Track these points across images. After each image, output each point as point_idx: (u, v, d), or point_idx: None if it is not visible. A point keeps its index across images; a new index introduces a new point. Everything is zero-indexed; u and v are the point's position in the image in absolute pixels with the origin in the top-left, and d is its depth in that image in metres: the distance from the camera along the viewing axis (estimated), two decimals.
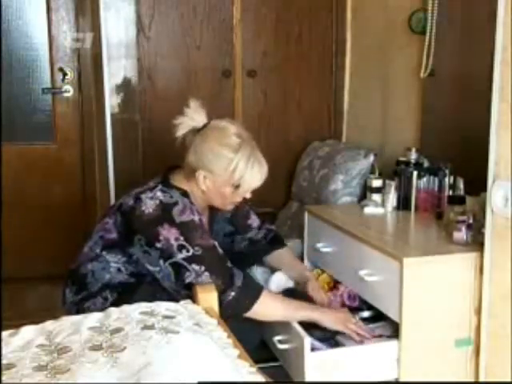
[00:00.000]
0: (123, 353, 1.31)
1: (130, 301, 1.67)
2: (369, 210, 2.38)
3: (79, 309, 1.88)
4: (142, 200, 1.84)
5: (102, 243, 1.91)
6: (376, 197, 2.45)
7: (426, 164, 2.39)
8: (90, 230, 2.00)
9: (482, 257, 1.82)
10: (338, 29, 3.28)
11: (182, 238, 1.78)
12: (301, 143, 3.25)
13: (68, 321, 1.52)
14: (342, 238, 2.16)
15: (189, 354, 1.32)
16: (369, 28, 3.06)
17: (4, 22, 3.16)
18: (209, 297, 1.72)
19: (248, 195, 1.96)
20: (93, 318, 1.52)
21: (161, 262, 1.79)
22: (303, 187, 3.03)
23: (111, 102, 2.98)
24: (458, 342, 1.88)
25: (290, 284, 2.16)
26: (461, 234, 1.91)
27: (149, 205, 1.82)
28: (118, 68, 3.02)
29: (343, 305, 2.11)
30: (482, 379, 1.86)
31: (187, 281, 1.77)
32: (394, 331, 1.89)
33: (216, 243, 1.87)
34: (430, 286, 1.83)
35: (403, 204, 2.38)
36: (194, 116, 1.92)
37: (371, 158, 2.71)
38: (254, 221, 2.22)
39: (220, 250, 1.86)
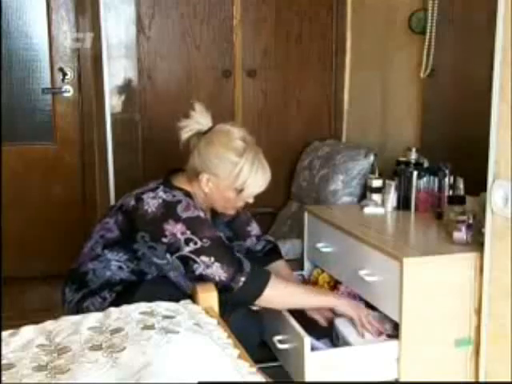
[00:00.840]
0: (123, 353, 1.31)
1: (128, 302, 1.67)
2: (369, 210, 2.38)
3: (78, 308, 1.88)
4: (143, 200, 1.84)
5: (102, 242, 1.91)
6: (376, 197, 2.45)
7: (426, 164, 2.39)
8: (90, 230, 2.00)
9: (481, 257, 1.82)
10: (337, 28, 3.28)
11: (188, 232, 1.78)
12: (301, 143, 3.25)
13: (68, 321, 1.52)
14: (342, 238, 2.16)
15: (189, 353, 1.32)
16: (369, 28, 3.06)
17: (4, 21, 3.17)
18: (209, 297, 1.72)
19: (250, 200, 1.97)
20: (93, 318, 1.52)
21: (167, 255, 1.80)
22: (303, 187, 3.03)
23: (111, 101, 2.98)
24: (458, 342, 1.88)
25: None
26: (461, 234, 1.91)
27: (151, 204, 1.83)
28: (117, 68, 3.02)
29: None
30: (481, 379, 1.86)
31: (197, 272, 1.77)
32: (394, 330, 1.88)
33: (222, 235, 1.88)
34: (430, 286, 1.83)
35: (403, 204, 2.38)
36: (199, 119, 1.92)
37: (371, 158, 2.71)
38: (254, 229, 2.21)
39: (226, 241, 1.87)
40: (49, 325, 1.49)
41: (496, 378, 1.80)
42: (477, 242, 1.87)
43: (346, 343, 1.90)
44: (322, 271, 2.34)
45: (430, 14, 2.43)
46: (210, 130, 1.92)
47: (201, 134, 1.92)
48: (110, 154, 2.95)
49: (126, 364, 1.26)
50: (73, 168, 3.39)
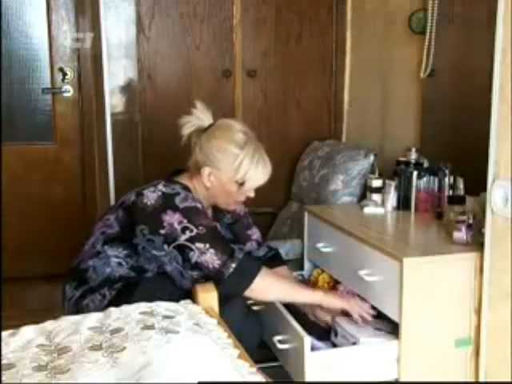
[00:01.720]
0: (123, 353, 1.31)
1: (128, 299, 1.67)
2: (369, 210, 2.38)
3: (78, 306, 1.89)
4: (143, 194, 1.87)
5: (103, 238, 1.92)
6: (376, 197, 2.45)
7: (426, 164, 2.39)
8: (90, 230, 2.01)
9: (481, 257, 1.82)
10: (337, 29, 3.28)
11: (185, 221, 1.80)
12: (301, 143, 3.25)
13: (68, 321, 1.52)
14: (342, 237, 2.16)
15: (189, 353, 1.32)
16: (369, 28, 3.06)
17: (4, 22, 3.17)
18: (209, 297, 1.72)
19: (251, 194, 1.98)
20: (93, 318, 1.52)
21: (165, 246, 1.81)
22: (303, 187, 3.03)
23: (111, 101, 2.99)
24: (458, 342, 1.88)
25: None
26: (461, 234, 1.91)
27: (151, 197, 1.85)
28: (117, 68, 3.02)
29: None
30: (481, 379, 1.86)
31: (193, 260, 1.78)
32: (394, 328, 1.88)
33: (218, 225, 1.90)
34: (430, 286, 1.83)
35: (403, 204, 2.38)
36: (200, 116, 1.96)
37: (371, 158, 2.71)
38: (255, 233, 2.21)
39: (223, 233, 1.89)
40: (49, 325, 1.49)
41: (496, 378, 1.80)
42: (477, 242, 1.87)
43: (345, 338, 1.91)
44: (322, 271, 2.34)
45: (430, 14, 2.43)
46: (210, 126, 1.95)
47: (202, 131, 1.95)
48: (110, 153, 2.95)
49: (126, 364, 1.26)
50: (73, 168, 3.39)
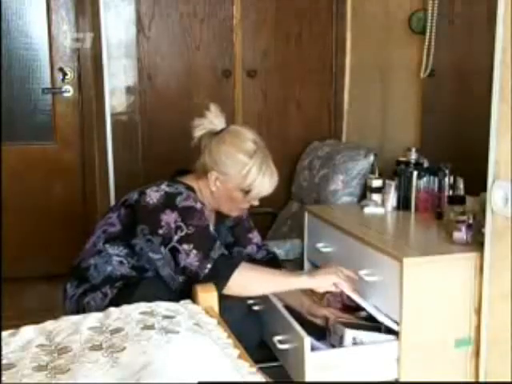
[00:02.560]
0: (123, 353, 1.31)
1: (129, 298, 1.68)
2: (369, 210, 2.38)
3: (79, 304, 1.89)
4: (146, 193, 1.88)
5: (104, 237, 1.93)
6: (376, 197, 2.45)
7: (426, 164, 2.39)
8: (90, 230, 2.01)
9: (481, 257, 1.82)
10: (337, 29, 3.28)
11: (179, 219, 1.81)
12: (301, 143, 3.25)
13: (68, 321, 1.52)
14: (342, 238, 2.16)
15: (189, 353, 1.32)
16: (369, 28, 3.06)
17: (4, 21, 3.17)
18: (209, 297, 1.72)
19: (256, 202, 1.98)
20: (93, 318, 1.52)
21: (162, 248, 1.82)
22: (303, 187, 3.03)
23: (111, 102, 2.98)
24: (458, 342, 1.88)
25: None
26: (461, 234, 1.91)
27: (153, 196, 1.86)
28: (117, 68, 3.03)
29: (343, 305, 2.11)
30: (481, 379, 1.86)
31: (181, 264, 1.79)
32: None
33: (210, 224, 1.89)
34: (430, 286, 1.83)
35: (403, 204, 2.38)
36: (213, 119, 1.96)
37: (371, 158, 2.71)
38: (256, 237, 2.20)
39: (213, 233, 1.87)
40: (49, 325, 1.49)
41: (496, 378, 1.80)
42: (477, 242, 1.87)
43: (336, 333, 1.91)
44: None
45: (430, 14, 2.43)
46: (222, 130, 1.95)
47: (213, 134, 1.95)
48: (110, 153, 2.95)
49: (126, 364, 1.26)
50: (73, 168, 3.39)
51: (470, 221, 1.91)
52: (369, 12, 3.05)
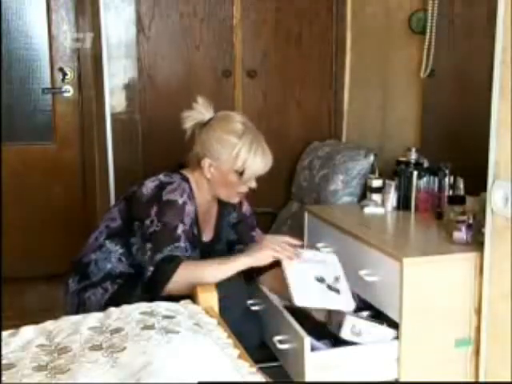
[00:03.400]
0: (123, 353, 1.31)
1: (130, 294, 1.70)
2: (369, 210, 2.38)
3: (80, 299, 1.91)
4: (144, 184, 1.91)
5: (106, 232, 1.96)
6: (376, 197, 2.45)
7: (426, 164, 2.39)
8: (90, 230, 2.01)
9: (481, 257, 1.82)
10: (337, 29, 3.28)
11: (156, 214, 1.83)
12: (301, 143, 3.25)
13: (68, 321, 1.52)
14: (342, 237, 2.16)
15: (189, 353, 1.32)
16: (369, 28, 3.06)
17: (4, 21, 3.17)
18: (209, 297, 1.72)
19: (253, 184, 1.98)
20: (93, 318, 1.52)
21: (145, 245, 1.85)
22: (303, 187, 3.03)
23: (111, 101, 2.98)
24: (458, 342, 1.88)
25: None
26: (461, 234, 1.91)
27: (149, 186, 1.89)
28: (117, 68, 3.02)
29: None
30: (481, 379, 1.86)
31: (137, 260, 1.85)
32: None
33: (180, 227, 1.84)
34: (430, 286, 1.83)
35: (403, 204, 2.38)
36: (201, 110, 1.98)
37: (371, 158, 2.71)
38: (259, 235, 2.20)
39: (178, 233, 1.83)
40: (49, 325, 1.49)
41: (496, 378, 1.80)
42: (477, 242, 1.87)
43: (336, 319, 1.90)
44: None
45: (430, 14, 2.43)
46: (211, 120, 1.98)
47: (203, 125, 1.97)
48: (110, 153, 2.95)
49: (126, 364, 1.26)
50: (73, 168, 3.38)
51: (470, 221, 1.91)
52: (369, 12, 3.05)
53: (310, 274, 1.89)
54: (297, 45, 3.28)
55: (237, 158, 1.90)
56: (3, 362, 1.29)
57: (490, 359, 1.83)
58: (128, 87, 3.07)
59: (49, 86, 3.30)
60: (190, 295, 1.75)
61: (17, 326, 1.48)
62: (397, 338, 1.85)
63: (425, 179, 2.34)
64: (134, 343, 1.34)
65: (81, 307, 1.90)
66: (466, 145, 2.37)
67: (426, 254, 1.87)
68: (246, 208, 2.17)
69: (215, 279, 1.81)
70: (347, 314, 1.87)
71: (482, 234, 1.82)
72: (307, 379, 1.80)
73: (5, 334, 1.44)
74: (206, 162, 1.93)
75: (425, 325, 1.84)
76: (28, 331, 1.45)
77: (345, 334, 1.85)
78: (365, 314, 2.06)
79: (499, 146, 1.72)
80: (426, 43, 2.47)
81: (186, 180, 1.94)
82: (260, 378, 1.33)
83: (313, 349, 1.83)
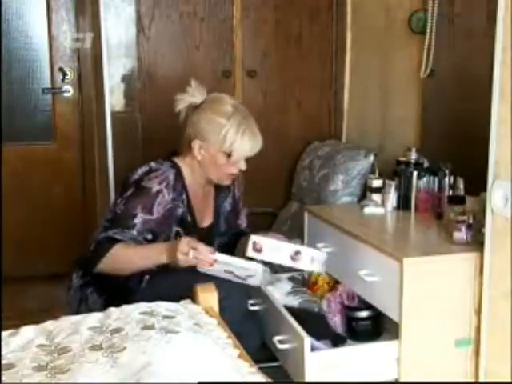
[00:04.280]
0: (123, 353, 1.31)
1: (131, 292, 1.70)
2: (369, 209, 2.38)
3: (82, 294, 1.93)
4: (136, 170, 1.94)
5: (103, 225, 1.95)
6: (376, 197, 2.45)
7: (426, 164, 2.39)
8: (90, 230, 2.02)
9: (481, 257, 1.82)
10: (338, 28, 3.28)
11: (127, 196, 1.88)
12: (301, 143, 3.25)
13: (68, 321, 1.52)
14: (342, 237, 2.16)
15: (189, 353, 1.32)
16: (369, 28, 3.06)
17: (4, 21, 3.17)
18: (209, 297, 1.72)
19: (242, 166, 1.99)
20: (93, 318, 1.52)
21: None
22: (303, 187, 3.03)
23: (111, 101, 2.98)
24: (458, 342, 1.88)
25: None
26: (461, 234, 1.91)
27: (138, 171, 1.93)
28: (117, 68, 3.02)
29: (343, 305, 2.11)
30: (481, 379, 1.86)
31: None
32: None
33: (140, 216, 1.85)
34: (430, 286, 1.83)
35: (403, 204, 2.38)
36: (194, 93, 2.00)
37: (371, 158, 2.71)
38: (243, 222, 2.26)
39: (133, 222, 1.84)
40: (49, 325, 1.49)
41: (496, 378, 1.80)
42: (477, 242, 1.87)
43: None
44: None
45: (430, 14, 2.43)
46: (203, 102, 1.99)
47: (195, 107, 1.98)
48: (110, 153, 2.95)
49: (126, 364, 1.26)
50: (73, 168, 3.39)
51: (470, 221, 1.91)
52: (369, 12, 3.05)
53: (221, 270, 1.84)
54: (297, 45, 3.28)
55: (224, 139, 1.92)
56: (3, 362, 1.29)
57: (490, 359, 1.83)
58: (128, 87, 3.08)
59: (49, 85, 3.30)
60: (189, 296, 1.75)
61: (17, 326, 1.48)
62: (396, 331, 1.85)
63: (425, 179, 2.33)
64: (133, 343, 1.35)
65: (83, 302, 1.91)
66: (466, 145, 2.37)
67: (426, 254, 1.87)
68: (235, 192, 2.21)
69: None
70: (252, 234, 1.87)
71: (482, 234, 1.82)
72: (307, 379, 1.80)
73: (5, 333, 1.44)
74: (196, 144, 1.95)
75: (425, 325, 1.84)
76: (28, 331, 1.46)
77: (249, 251, 1.84)
78: (365, 313, 2.06)
79: (499, 146, 1.72)
80: (426, 43, 2.47)
81: (176, 168, 1.96)
82: (260, 378, 1.33)
83: (313, 349, 1.83)
